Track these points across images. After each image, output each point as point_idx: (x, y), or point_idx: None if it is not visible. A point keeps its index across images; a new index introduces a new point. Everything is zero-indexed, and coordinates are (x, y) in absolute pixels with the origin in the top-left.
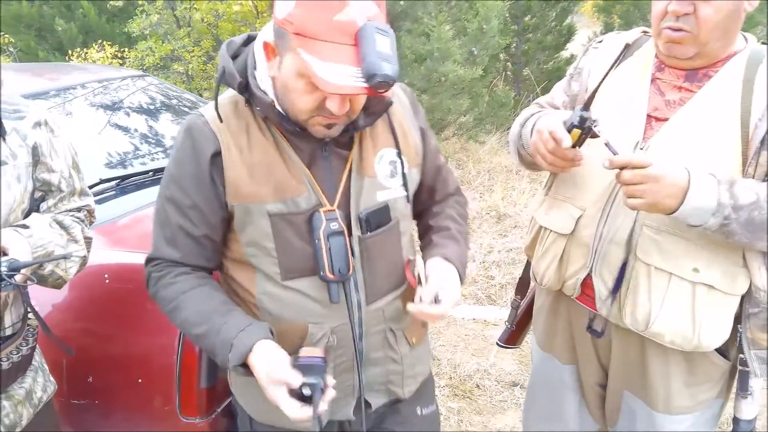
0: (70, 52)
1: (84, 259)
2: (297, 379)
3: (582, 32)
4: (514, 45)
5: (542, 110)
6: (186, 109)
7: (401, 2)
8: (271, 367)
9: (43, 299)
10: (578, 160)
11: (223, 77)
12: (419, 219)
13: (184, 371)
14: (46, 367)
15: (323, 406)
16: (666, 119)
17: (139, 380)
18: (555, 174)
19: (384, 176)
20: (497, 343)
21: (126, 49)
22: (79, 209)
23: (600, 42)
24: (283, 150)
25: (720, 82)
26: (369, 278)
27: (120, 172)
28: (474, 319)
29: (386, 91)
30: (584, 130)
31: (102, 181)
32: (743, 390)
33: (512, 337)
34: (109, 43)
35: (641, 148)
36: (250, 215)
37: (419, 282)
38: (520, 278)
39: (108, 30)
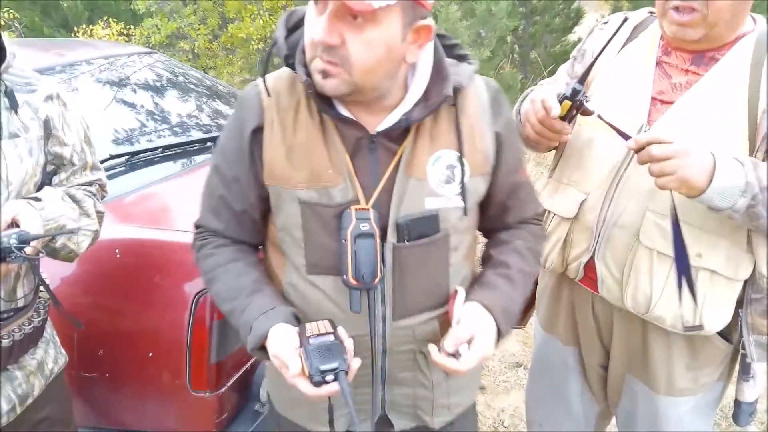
0: (75, 28)
1: (96, 233)
2: (296, 364)
3: (590, 15)
4: (522, 27)
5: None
6: (192, 87)
7: None
8: (280, 351)
9: (54, 273)
10: (565, 133)
11: (273, 47)
12: (486, 239)
13: (195, 346)
14: (58, 340)
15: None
16: (671, 102)
17: (150, 354)
18: (559, 157)
19: (437, 181)
20: None
21: (131, 27)
22: (91, 183)
23: (605, 23)
24: (328, 134)
25: (727, 66)
26: (399, 291)
27: (129, 148)
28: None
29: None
30: (575, 102)
31: (112, 157)
32: (745, 373)
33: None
34: (114, 20)
35: (645, 132)
36: (281, 199)
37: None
38: None
39: (113, 7)
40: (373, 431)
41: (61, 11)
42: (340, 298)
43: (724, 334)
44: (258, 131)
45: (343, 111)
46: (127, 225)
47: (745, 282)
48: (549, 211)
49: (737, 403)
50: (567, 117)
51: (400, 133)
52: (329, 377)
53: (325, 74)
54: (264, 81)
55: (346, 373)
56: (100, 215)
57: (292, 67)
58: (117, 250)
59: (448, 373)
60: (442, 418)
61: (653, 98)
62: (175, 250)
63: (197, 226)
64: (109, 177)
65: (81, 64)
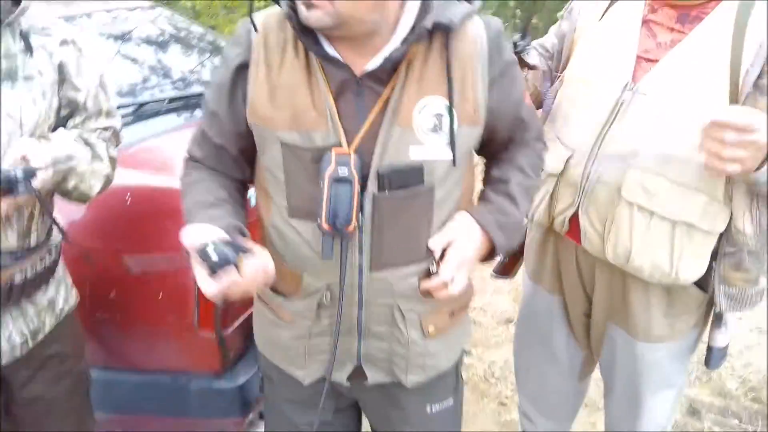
0: None
1: (108, 178)
2: (202, 239)
3: None
4: None
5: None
6: (195, 41)
7: None
8: (190, 232)
9: (67, 217)
10: None
11: None
12: (488, 166)
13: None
14: (69, 281)
15: (223, 280)
16: (656, 61)
17: (159, 296)
18: (546, 115)
19: (423, 130)
20: (492, 273)
21: None
22: (105, 128)
23: None
24: (313, 75)
25: (712, 24)
26: (377, 242)
27: (134, 100)
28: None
29: None
30: (518, 53)
31: (120, 107)
32: (719, 320)
33: (506, 269)
34: None
35: (630, 90)
36: (264, 140)
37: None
38: None
39: None
40: (349, 382)
41: None
42: (318, 244)
43: (700, 283)
44: (243, 68)
45: (330, 50)
46: (136, 171)
47: (721, 234)
48: None
49: (710, 348)
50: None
51: (387, 75)
52: (214, 257)
53: (309, 5)
54: (251, 18)
55: (244, 251)
56: (113, 160)
57: (278, 3)
58: (128, 195)
59: (436, 292)
60: (415, 377)
61: (638, 56)
62: None
63: (186, 154)
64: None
65: (83, 17)
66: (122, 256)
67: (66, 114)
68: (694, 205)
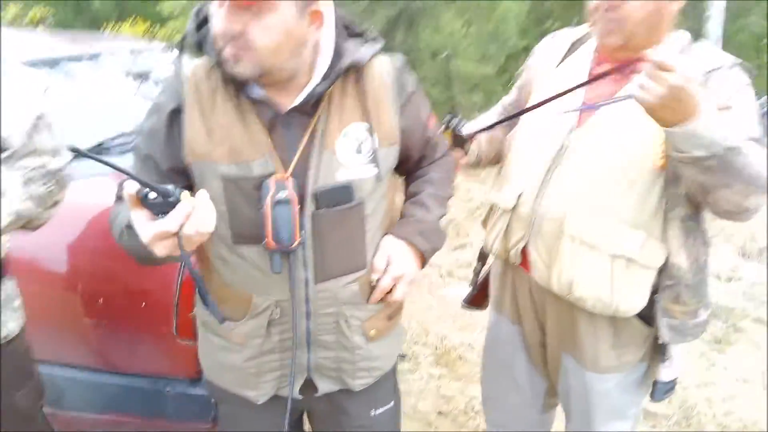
0: (104, 23)
1: (17, 214)
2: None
3: None
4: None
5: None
6: None
7: (419, 1)
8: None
9: (59, 238)
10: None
11: (183, 40)
12: (406, 184)
13: (182, 299)
14: (17, 303)
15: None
16: (596, 104)
17: (143, 304)
18: (504, 158)
19: (346, 154)
20: (462, 304)
21: (157, 26)
22: (35, 168)
23: (553, 37)
24: (246, 113)
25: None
26: (319, 256)
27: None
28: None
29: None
30: (453, 129)
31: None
32: (663, 354)
33: (475, 300)
34: (142, 19)
35: (572, 133)
36: (203, 175)
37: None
38: (481, 249)
39: (141, 7)
40: (301, 394)
41: (92, 9)
42: (263, 264)
43: (645, 317)
44: (177, 112)
45: (259, 92)
46: None
47: (660, 269)
48: (495, 204)
49: (655, 383)
50: (459, 142)
51: (312, 109)
52: (151, 195)
53: (235, 59)
54: (181, 65)
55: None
56: (33, 198)
57: (198, 48)
58: None
59: (385, 300)
60: (362, 381)
61: (584, 103)
62: None
63: (117, 198)
64: (118, 153)
65: (111, 55)
66: (111, 269)
67: None
68: (632, 241)
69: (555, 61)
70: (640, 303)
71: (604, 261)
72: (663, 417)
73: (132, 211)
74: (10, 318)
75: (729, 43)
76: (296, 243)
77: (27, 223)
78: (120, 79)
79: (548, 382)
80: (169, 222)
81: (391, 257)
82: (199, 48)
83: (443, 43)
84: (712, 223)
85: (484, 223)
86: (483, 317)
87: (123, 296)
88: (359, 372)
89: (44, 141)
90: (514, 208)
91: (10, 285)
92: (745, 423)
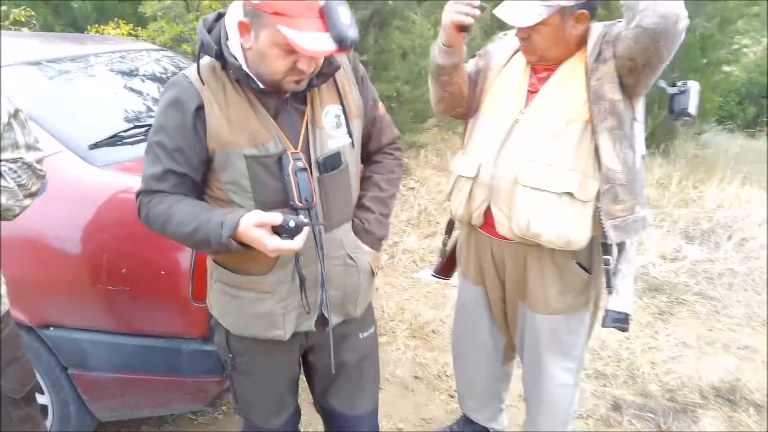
0: (88, 27)
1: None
2: (278, 217)
3: None
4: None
5: None
6: None
7: (390, 2)
8: (257, 216)
9: (86, 217)
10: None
11: (203, 47)
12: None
13: (197, 266)
14: (3, 290)
15: (301, 238)
16: (537, 91)
17: (162, 272)
18: (465, 135)
19: (330, 128)
20: (431, 274)
21: (139, 28)
22: (14, 161)
23: (505, 35)
24: (254, 105)
25: (570, 63)
26: (326, 210)
27: (137, 123)
28: (437, 281)
29: (351, 51)
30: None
31: (135, 126)
32: (609, 286)
33: (443, 270)
34: (123, 21)
35: (522, 112)
36: (229, 158)
37: None
38: (447, 222)
39: (119, 9)
40: (315, 328)
41: (71, 11)
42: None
43: (584, 265)
44: (200, 109)
45: (261, 85)
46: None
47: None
48: (459, 175)
49: (606, 312)
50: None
51: (301, 97)
52: (291, 223)
53: (298, 82)
54: (198, 71)
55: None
56: (6, 189)
57: (218, 58)
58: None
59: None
60: (361, 309)
61: (528, 90)
62: None
63: (139, 193)
64: (132, 143)
65: (100, 55)
66: (133, 243)
67: None
68: (572, 180)
69: (506, 59)
70: (585, 233)
71: (552, 199)
72: (612, 377)
73: (259, 231)
74: None
75: None
76: (315, 200)
77: (4, 212)
78: (111, 78)
79: (507, 338)
80: (297, 243)
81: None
82: (220, 55)
83: (413, 43)
84: (660, 211)
85: (449, 195)
86: (453, 296)
87: (143, 267)
88: (360, 301)
89: (19, 136)
90: (476, 176)
91: None
92: (682, 380)
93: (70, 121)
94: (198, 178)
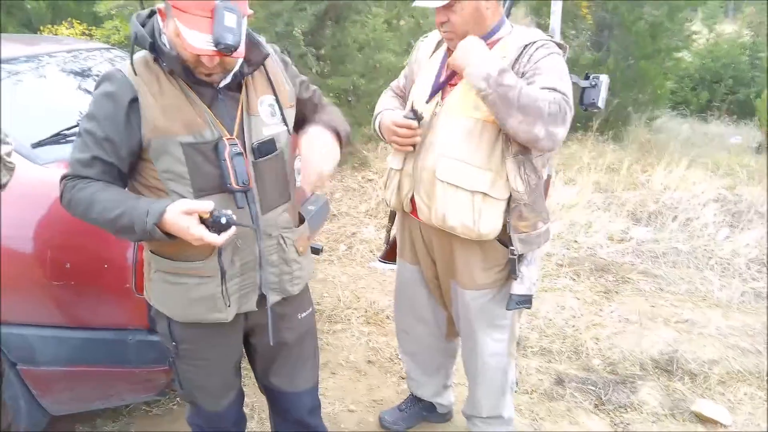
0: (41, 27)
1: None
2: (210, 204)
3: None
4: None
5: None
6: None
7: None
8: (185, 203)
9: (33, 214)
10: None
11: (137, 40)
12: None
13: (140, 258)
14: None
15: (227, 235)
16: (456, 84)
17: (105, 265)
18: None
19: (265, 116)
20: (378, 259)
21: (93, 27)
22: None
23: (426, 37)
24: (188, 95)
25: None
26: (262, 193)
27: None
28: (392, 269)
29: (231, 54)
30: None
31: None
32: (514, 273)
33: (389, 255)
34: (77, 21)
35: (439, 105)
36: (165, 146)
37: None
38: (390, 211)
39: (74, 9)
40: (257, 308)
41: (24, 11)
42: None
43: (504, 242)
44: (134, 101)
45: (196, 77)
46: None
47: (508, 200)
48: (391, 168)
49: (510, 296)
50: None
51: (236, 86)
52: (222, 219)
53: (209, 75)
54: (132, 64)
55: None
56: None
57: (152, 51)
58: None
59: (318, 178)
60: (297, 288)
61: (449, 84)
62: None
63: (63, 177)
64: None
65: (52, 56)
66: (78, 237)
67: None
68: (484, 180)
69: (428, 55)
70: (496, 227)
71: (466, 196)
72: (557, 353)
73: (186, 219)
74: None
75: (628, 31)
76: (251, 183)
77: None
78: (62, 78)
79: (447, 312)
80: (221, 238)
81: (307, 161)
82: (153, 47)
83: (367, 37)
84: (609, 195)
85: (384, 186)
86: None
87: (87, 261)
88: (295, 280)
89: None
90: (402, 168)
91: None
92: (624, 353)
93: (15, 120)
94: (125, 170)
